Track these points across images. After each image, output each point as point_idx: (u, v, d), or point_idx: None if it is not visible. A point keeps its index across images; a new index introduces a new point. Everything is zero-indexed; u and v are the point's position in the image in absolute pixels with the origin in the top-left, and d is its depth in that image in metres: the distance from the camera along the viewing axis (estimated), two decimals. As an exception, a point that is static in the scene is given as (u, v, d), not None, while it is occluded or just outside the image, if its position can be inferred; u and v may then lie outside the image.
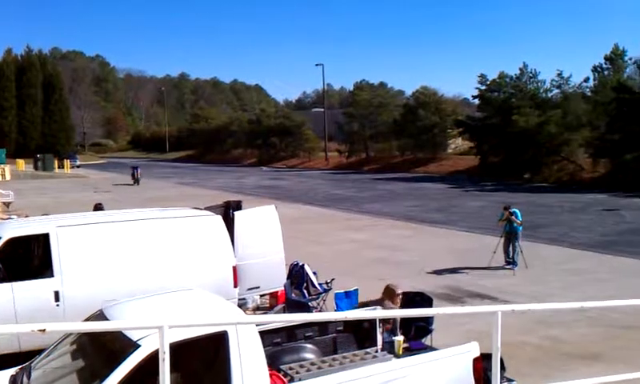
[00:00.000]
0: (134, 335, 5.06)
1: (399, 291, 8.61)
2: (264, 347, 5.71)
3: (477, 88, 51.34)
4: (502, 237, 16.33)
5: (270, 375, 5.52)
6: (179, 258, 9.36)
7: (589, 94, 46.28)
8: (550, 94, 48.08)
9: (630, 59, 46.63)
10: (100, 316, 5.80)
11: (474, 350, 5.88)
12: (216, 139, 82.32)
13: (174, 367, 5.26)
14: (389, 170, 55.01)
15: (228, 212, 11.59)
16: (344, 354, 6.65)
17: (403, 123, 58.37)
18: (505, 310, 4.67)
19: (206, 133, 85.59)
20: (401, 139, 59.25)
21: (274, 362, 6.24)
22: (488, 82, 50.36)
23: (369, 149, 63.11)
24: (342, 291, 10.44)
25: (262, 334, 6.43)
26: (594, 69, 47.35)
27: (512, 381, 6.45)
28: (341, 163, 62.97)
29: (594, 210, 27.56)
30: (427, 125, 56.26)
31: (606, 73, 46.81)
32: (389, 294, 8.56)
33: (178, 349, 4.96)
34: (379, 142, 62.31)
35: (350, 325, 7.24)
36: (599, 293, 12.64)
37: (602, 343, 10.12)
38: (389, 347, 7.01)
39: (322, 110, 71.47)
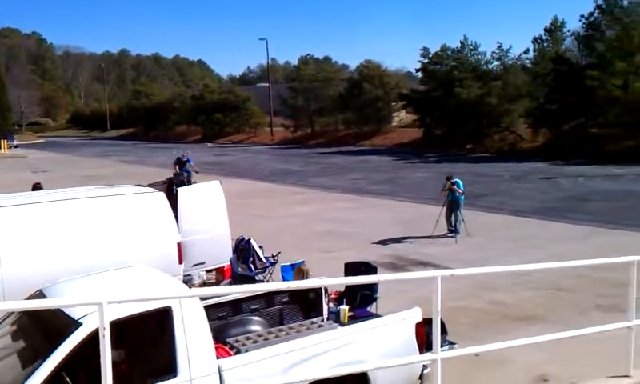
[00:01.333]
0: (75, 313, 4.98)
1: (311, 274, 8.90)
2: (210, 321, 5.70)
3: (420, 61, 51.85)
4: (444, 206, 16.68)
5: (216, 348, 5.53)
6: (122, 236, 9.20)
7: (529, 65, 47.23)
8: (490, 66, 48.96)
9: (569, 31, 47.70)
10: (40, 295, 5.69)
11: (416, 315, 6.02)
12: (159, 116, 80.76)
13: (117, 344, 5.23)
14: (334, 143, 55.18)
15: (171, 188, 11.46)
16: (290, 325, 6.72)
17: (348, 97, 58.47)
18: (444, 275, 4.79)
19: (149, 109, 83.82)
20: (346, 113, 59.36)
21: (220, 336, 6.25)
22: (430, 55, 50.90)
23: (314, 123, 63.06)
24: (289, 264, 10.50)
25: (208, 308, 6.42)
26: (534, 40, 48.25)
27: (454, 344, 6.63)
28: (286, 138, 62.79)
29: (533, 178, 28.34)
30: (371, 98, 56.48)
31: (545, 45, 47.73)
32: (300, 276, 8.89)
33: (121, 325, 4.93)
34: (324, 116, 62.26)
35: (296, 296, 7.31)
36: (538, 257, 13.04)
37: (541, 305, 10.50)
38: (334, 316, 7.11)
39: (267, 85, 70.88)
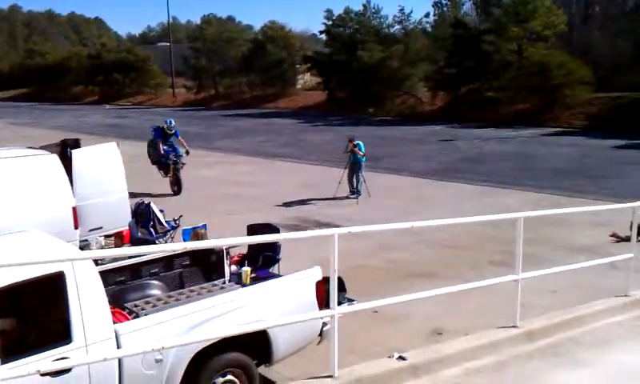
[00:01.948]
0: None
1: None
2: (107, 286, 5.57)
3: (324, 23, 51.88)
4: (346, 168, 16.92)
5: (113, 313, 5.42)
6: (12, 200, 8.78)
7: (429, 29, 48.24)
8: (392, 30, 49.66)
9: (468, -4, 48.90)
10: None
11: (316, 274, 6.11)
12: (54, 76, 76.83)
13: (8, 311, 5.03)
14: (239, 106, 54.51)
15: (65, 151, 11.00)
16: (191, 288, 6.67)
17: (252, 59, 57.71)
18: (341, 233, 4.87)
19: (43, 69, 79.40)
20: (250, 75, 58.68)
21: (117, 301, 6.13)
22: (334, 18, 50.99)
23: (218, 85, 62.01)
24: (190, 227, 10.35)
25: (105, 273, 6.28)
26: (435, 5, 49.19)
27: (353, 301, 6.79)
28: (189, 100, 61.42)
29: (432, 140, 29.18)
30: (276, 60, 56.03)
31: (445, 9, 48.79)
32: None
33: (11, 291, 4.74)
34: (228, 77, 61.23)
35: (197, 259, 7.25)
36: (435, 216, 13.49)
37: (437, 262, 10.91)
38: (236, 278, 7.11)
39: (168, 44, 68.89)
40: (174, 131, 17.88)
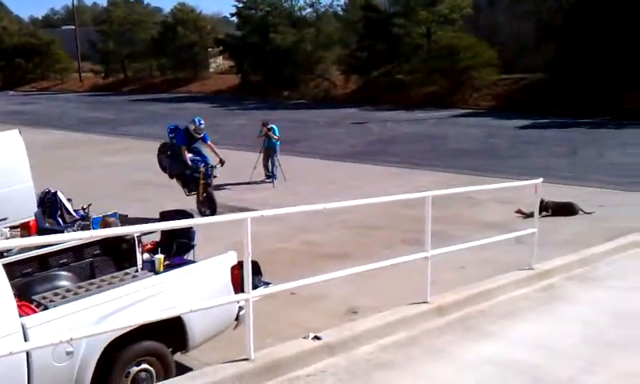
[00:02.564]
0: None
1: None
2: (13, 279, 5.37)
3: (234, 6, 51.25)
4: (261, 152, 16.89)
5: (20, 306, 5.21)
6: None
7: (340, 13, 48.56)
8: (304, 13, 49.62)
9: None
10: None
11: (231, 259, 6.09)
12: (-51, 61, 72.54)
13: None
14: (149, 90, 53.18)
15: (-36, 139, 10.43)
16: (102, 277, 6.50)
17: (162, 42, 56.31)
18: (254, 216, 4.88)
19: (-64, 54, 74.93)
20: (160, 58, 57.29)
21: (24, 294, 5.90)
22: (245, 0, 50.42)
23: (127, 69, 60.24)
24: (100, 216, 10.09)
25: (11, 265, 6.04)
26: (345, -13, 49.57)
27: (268, 284, 6.81)
28: (97, 84, 59.41)
29: (345, 123, 29.48)
30: (187, 44, 54.93)
31: (356, -8, 49.24)
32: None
33: None
34: (137, 61, 59.56)
35: (108, 248, 7.07)
36: (350, 197, 13.68)
37: (352, 243, 11.09)
38: (150, 266, 6.98)
39: (73, 27, 66.28)
40: (202, 134, 13.57)
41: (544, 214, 12.51)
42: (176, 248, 8.15)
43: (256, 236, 8.55)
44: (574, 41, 32.32)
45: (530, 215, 9.05)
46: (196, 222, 5.99)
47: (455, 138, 23.65)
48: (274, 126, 17.07)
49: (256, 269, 6.91)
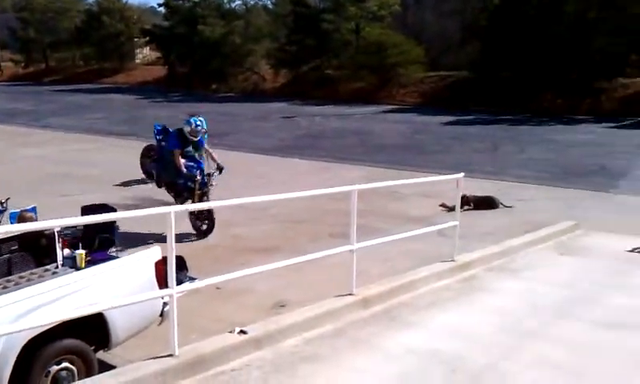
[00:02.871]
0: None
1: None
2: None
3: (162, -4, 50.22)
4: (188, 145, 16.64)
5: None
6: None
7: (270, 6, 48.41)
8: (233, 5, 49.22)
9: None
10: None
11: (155, 254, 6.01)
12: None
13: None
14: (72, 81, 51.55)
15: None
16: (20, 274, 6.29)
17: (86, 31, 54.65)
18: (178, 210, 4.83)
19: None
20: (84, 48, 55.60)
21: None
22: (173, -10, 49.56)
23: (49, 58, 58.16)
24: (18, 210, 9.72)
25: None
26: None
27: (194, 279, 6.76)
28: (17, 74, 57.23)
29: (274, 117, 29.45)
30: (112, 33, 53.56)
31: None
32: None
33: None
34: (60, 50, 57.61)
35: (26, 243, 6.83)
36: (277, 191, 13.67)
37: (279, 237, 11.10)
38: (71, 262, 6.80)
39: (-9, 14, 63.56)
40: (199, 137, 11.48)
41: (466, 207, 12.89)
42: (98, 243, 7.97)
43: (182, 230, 8.51)
44: (497, 41, 33.37)
45: (453, 209, 9.29)
46: (118, 215, 5.86)
47: (382, 134, 24.00)
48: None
49: (181, 264, 6.84)
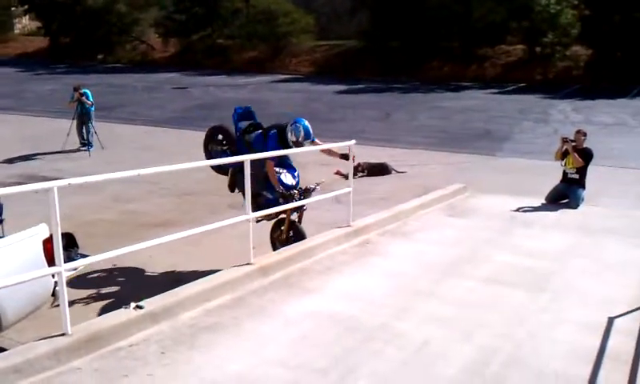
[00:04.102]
0: None
1: None
2: None
3: (40, -38, 47.42)
4: (74, 119, 16.03)
5: None
6: None
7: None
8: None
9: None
10: None
11: (42, 232, 5.77)
12: None
13: None
14: (-58, 53, 48.01)
15: None
16: None
17: (-45, -1, 50.97)
18: (60, 185, 4.65)
19: None
20: (-46, 18, 51.83)
21: None
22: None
23: None
24: None
25: None
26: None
27: (86, 255, 6.57)
28: None
29: (165, 88, 28.76)
30: (-15, 2, 50.22)
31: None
32: None
33: None
34: None
35: None
36: (172, 163, 13.45)
37: (175, 210, 10.93)
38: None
39: None
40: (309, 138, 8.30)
41: (360, 174, 13.21)
42: (-19, 224, 7.60)
43: (72, 206, 8.21)
44: (386, 10, 33.97)
45: (347, 176, 9.47)
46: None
47: (276, 103, 23.98)
48: (87, 91, 16.24)
49: (71, 241, 6.64)
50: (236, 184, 8.52)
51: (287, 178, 8.19)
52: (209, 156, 9.05)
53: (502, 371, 4.84)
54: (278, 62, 36.90)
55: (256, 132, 8.57)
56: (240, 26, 39.27)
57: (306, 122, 8.23)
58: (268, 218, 8.24)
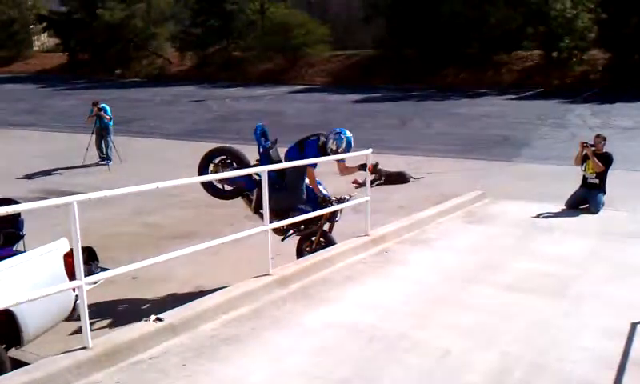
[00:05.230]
0: None
1: None
2: None
3: (57, -20, 48.11)
4: (93, 134, 16.19)
5: None
6: None
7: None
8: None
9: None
10: None
11: (63, 246, 5.83)
12: None
13: None
14: (-38, 71, 48.75)
15: None
16: None
17: (-25, 18, 51.72)
18: (80, 200, 4.69)
19: None
20: (-26, 38, 52.55)
21: None
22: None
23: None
24: None
25: None
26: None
27: (106, 269, 6.60)
28: None
29: (183, 101, 28.95)
30: (5, 20, 50.81)
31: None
32: None
33: None
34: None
35: None
36: (190, 176, 13.52)
37: (194, 222, 10.98)
38: (-27, 260, 6.49)
39: None
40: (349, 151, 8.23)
41: (377, 183, 13.19)
42: (3, 239, 7.66)
43: (92, 221, 8.28)
44: (401, 17, 33.96)
45: (364, 184, 9.45)
46: (20, 208, 5.58)
47: (293, 114, 24.07)
48: (105, 106, 16.41)
49: (91, 255, 6.68)
50: (260, 208, 7.54)
51: (321, 189, 8.21)
52: (209, 184, 8.67)
53: (526, 378, 4.79)
54: (294, 72, 37.01)
55: (289, 146, 8.43)
56: (255, 38, 39.46)
57: (349, 134, 8.09)
58: (298, 231, 8.24)
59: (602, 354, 5.15)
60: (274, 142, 8.57)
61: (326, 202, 7.99)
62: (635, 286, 6.83)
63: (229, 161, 8.51)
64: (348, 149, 8.06)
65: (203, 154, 8.69)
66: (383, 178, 13.50)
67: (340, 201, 8.11)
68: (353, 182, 12.62)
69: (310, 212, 7.78)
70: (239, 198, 8.74)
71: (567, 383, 4.73)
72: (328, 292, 6.60)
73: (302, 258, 7.63)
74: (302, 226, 8.16)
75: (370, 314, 6.01)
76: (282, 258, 7.79)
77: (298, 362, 5.05)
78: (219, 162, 8.58)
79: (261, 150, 8.49)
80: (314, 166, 8.00)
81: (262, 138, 8.57)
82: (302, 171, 7.98)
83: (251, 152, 8.73)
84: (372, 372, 4.86)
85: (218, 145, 8.95)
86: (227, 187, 8.59)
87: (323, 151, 8.05)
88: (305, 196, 8.13)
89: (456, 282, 6.93)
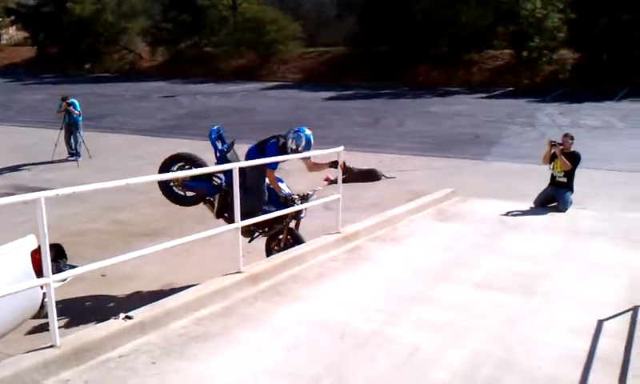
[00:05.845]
0: None
1: None
2: None
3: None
4: (62, 129, 15.98)
5: None
6: None
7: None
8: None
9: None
10: None
11: (30, 243, 5.72)
12: None
13: None
14: None
15: None
16: None
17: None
18: (48, 196, 4.62)
19: None
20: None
21: None
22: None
23: None
24: None
25: None
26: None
27: (75, 266, 6.52)
28: None
29: (154, 97, 28.70)
30: (-29, 13, 49.96)
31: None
32: None
33: None
34: None
35: None
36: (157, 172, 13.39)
37: (164, 220, 10.88)
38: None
39: None
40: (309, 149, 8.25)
41: (344, 176, 13.20)
42: (-32, 236, 7.52)
43: (60, 218, 8.17)
44: (373, 15, 34.06)
45: (336, 181, 9.47)
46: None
47: (264, 111, 23.99)
48: (74, 101, 16.19)
49: (60, 252, 6.59)
50: (228, 206, 7.73)
51: (284, 187, 8.18)
52: (169, 191, 8.46)
53: (495, 374, 4.84)
54: (266, 69, 36.91)
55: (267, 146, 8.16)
56: (227, 34, 39.27)
57: (308, 131, 8.08)
58: (264, 232, 8.19)
59: (569, 350, 5.22)
60: (232, 144, 8.41)
61: (287, 200, 7.96)
62: (602, 283, 6.94)
63: (187, 167, 8.27)
64: (308, 146, 8.03)
65: (161, 162, 8.43)
66: (349, 174, 13.53)
67: (304, 198, 8.09)
68: (324, 179, 12.63)
69: (273, 212, 7.72)
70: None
71: (535, 379, 4.79)
72: (299, 289, 6.60)
73: (273, 256, 7.61)
74: (267, 228, 8.12)
75: (341, 311, 6.02)
76: (252, 255, 7.76)
77: (269, 359, 5.04)
78: (178, 169, 8.36)
79: (218, 154, 8.33)
80: (275, 166, 7.93)
81: (219, 142, 8.41)
82: (262, 172, 7.93)
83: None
84: (343, 369, 4.87)
85: (175, 152, 8.68)
86: (189, 193, 8.44)
87: (284, 152, 8.00)
88: (267, 197, 8.08)
89: (427, 280, 6.97)
